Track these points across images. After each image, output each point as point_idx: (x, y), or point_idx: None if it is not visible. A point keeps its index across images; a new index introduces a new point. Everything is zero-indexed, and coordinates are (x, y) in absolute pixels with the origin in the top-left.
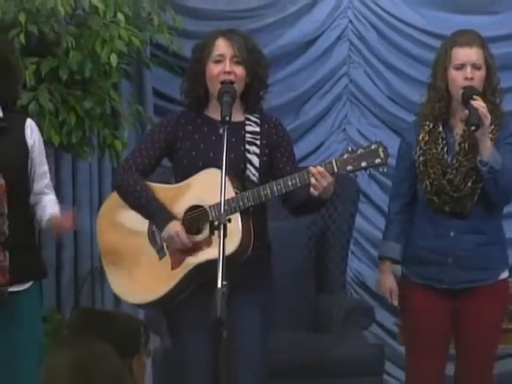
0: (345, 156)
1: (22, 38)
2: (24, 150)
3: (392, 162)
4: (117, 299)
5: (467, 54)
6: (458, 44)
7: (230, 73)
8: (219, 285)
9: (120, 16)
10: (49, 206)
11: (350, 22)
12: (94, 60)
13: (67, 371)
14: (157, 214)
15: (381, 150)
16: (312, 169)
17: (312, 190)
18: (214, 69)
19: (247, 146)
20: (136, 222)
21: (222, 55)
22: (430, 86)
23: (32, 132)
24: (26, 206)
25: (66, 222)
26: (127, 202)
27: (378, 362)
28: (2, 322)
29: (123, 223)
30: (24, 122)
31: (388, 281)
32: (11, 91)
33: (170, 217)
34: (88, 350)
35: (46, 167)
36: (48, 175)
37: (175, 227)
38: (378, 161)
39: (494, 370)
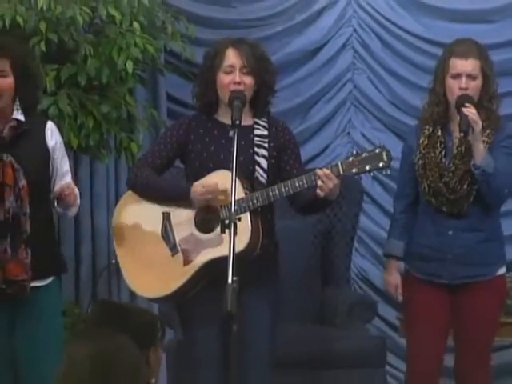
0: (350, 159)
1: (42, 45)
2: (45, 152)
3: (394, 164)
4: (132, 293)
5: (463, 65)
6: (455, 54)
7: (239, 83)
8: (229, 280)
9: (136, 25)
10: None
11: (355, 30)
12: (111, 66)
13: (86, 362)
14: (178, 189)
15: (384, 153)
16: (318, 171)
17: (318, 191)
18: (224, 79)
19: (256, 149)
20: (150, 219)
21: (231, 66)
22: (431, 90)
23: (52, 134)
24: (47, 205)
25: (65, 188)
26: (145, 194)
27: (381, 354)
28: (23, 316)
29: (137, 221)
30: (45, 124)
31: (394, 278)
32: (32, 96)
33: (188, 185)
34: (106, 341)
35: (67, 167)
36: (70, 174)
37: (198, 186)
38: (381, 164)
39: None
